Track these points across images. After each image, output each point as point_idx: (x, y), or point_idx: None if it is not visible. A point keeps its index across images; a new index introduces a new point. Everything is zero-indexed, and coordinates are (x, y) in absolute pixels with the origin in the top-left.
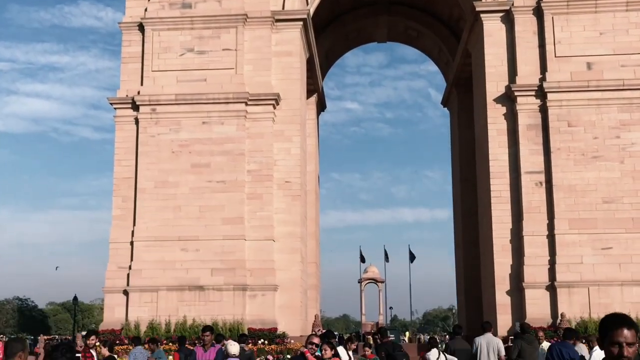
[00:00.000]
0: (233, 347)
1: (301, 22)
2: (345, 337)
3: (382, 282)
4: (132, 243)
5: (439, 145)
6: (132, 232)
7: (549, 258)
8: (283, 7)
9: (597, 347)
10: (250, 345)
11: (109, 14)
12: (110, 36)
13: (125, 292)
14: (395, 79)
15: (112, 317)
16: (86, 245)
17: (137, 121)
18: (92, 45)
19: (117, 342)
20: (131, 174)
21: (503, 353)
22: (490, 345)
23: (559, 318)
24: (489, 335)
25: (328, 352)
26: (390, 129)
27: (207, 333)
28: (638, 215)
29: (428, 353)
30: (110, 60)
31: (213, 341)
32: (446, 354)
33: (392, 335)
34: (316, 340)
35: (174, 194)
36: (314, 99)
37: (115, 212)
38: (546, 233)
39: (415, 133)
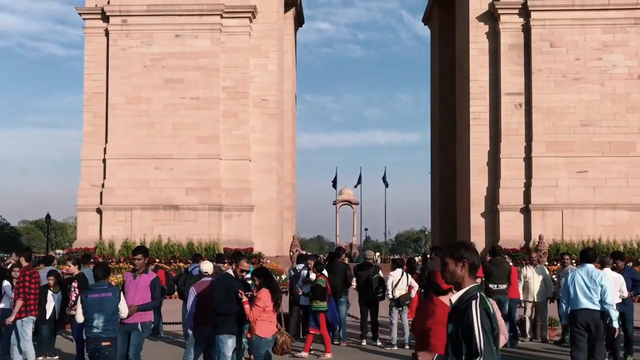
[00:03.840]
0: (205, 265)
1: None
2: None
3: (356, 204)
4: (104, 161)
5: (411, 68)
6: (104, 149)
7: (524, 181)
8: None
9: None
10: (226, 265)
11: None
12: None
13: (99, 211)
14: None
15: (86, 235)
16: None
17: (107, 33)
18: None
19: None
20: (102, 89)
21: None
22: None
23: (537, 240)
24: None
25: (255, 280)
26: (362, 51)
27: (139, 256)
28: (615, 139)
29: (391, 272)
30: None
31: (149, 266)
32: (409, 275)
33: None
34: (245, 265)
35: (147, 111)
36: (291, 13)
37: (86, 128)
38: (523, 155)
39: (388, 55)
